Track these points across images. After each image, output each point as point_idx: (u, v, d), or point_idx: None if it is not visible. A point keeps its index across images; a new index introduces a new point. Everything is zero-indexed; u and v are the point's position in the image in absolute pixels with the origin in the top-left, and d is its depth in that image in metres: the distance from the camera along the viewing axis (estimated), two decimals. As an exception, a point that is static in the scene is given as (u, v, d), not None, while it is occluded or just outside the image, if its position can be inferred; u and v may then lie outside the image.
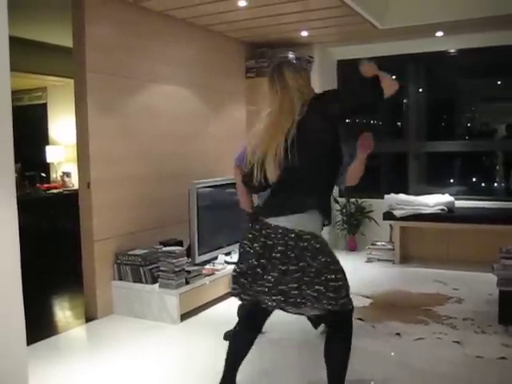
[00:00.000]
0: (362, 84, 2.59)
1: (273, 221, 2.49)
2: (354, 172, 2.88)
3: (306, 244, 2.44)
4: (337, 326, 2.63)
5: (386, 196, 6.25)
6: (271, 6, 4.79)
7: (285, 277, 2.43)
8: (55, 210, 6.38)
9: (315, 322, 3.50)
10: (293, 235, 2.44)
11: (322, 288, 2.41)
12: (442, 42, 6.15)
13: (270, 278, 2.46)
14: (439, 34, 5.89)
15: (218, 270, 4.65)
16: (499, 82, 6.82)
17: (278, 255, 2.45)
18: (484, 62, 6.47)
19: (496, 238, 5.22)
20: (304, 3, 4.76)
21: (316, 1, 4.69)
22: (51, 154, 7.40)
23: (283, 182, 2.53)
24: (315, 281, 2.42)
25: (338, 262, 2.52)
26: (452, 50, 6.48)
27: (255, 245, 2.51)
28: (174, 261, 4.17)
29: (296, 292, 2.42)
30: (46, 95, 7.76)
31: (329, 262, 2.46)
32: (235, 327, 2.85)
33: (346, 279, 2.52)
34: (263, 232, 2.50)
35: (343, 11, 4.98)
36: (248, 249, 2.54)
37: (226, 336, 3.72)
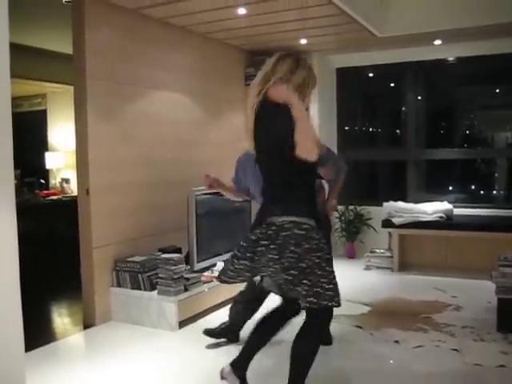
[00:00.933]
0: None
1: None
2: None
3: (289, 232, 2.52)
4: (308, 322, 2.67)
5: (384, 203, 6.25)
6: (270, 14, 4.82)
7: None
8: (54, 217, 6.37)
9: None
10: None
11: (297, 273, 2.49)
12: (440, 50, 6.18)
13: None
14: (437, 42, 5.92)
15: (216, 277, 4.64)
16: (498, 90, 6.85)
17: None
18: (482, 70, 6.50)
19: (494, 246, 5.23)
20: (303, 11, 4.79)
21: (315, 9, 4.71)
22: (50, 161, 7.40)
23: None
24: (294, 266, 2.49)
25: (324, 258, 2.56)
26: (450, 58, 6.52)
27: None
28: (173, 268, 4.17)
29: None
30: (45, 101, 7.77)
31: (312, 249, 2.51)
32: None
33: (330, 278, 2.59)
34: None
35: (342, 19, 5.01)
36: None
37: (206, 332, 3.86)
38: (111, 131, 4.45)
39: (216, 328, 3.88)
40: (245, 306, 3.82)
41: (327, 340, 3.77)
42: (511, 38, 5.57)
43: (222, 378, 2.91)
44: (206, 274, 4.64)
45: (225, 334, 3.87)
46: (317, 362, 3.66)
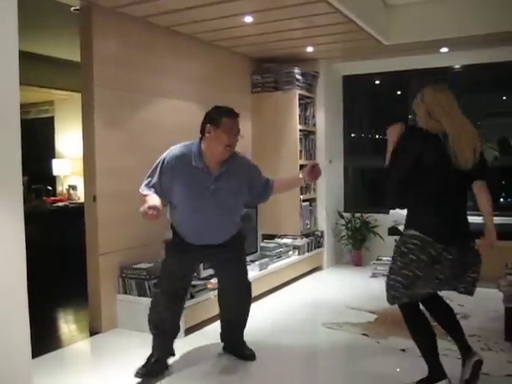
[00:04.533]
0: None
1: None
2: (284, 188, 3.79)
3: None
4: None
5: (391, 211, 6.23)
6: (277, 21, 4.84)
7: None
8: (61, 223, 6.39)
9: None
10: None
11: None
12: (446, 57, 6.19)
13: None
14: (444, 49, 5.92)
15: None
16: (504, 98, 6.84)
17: None
18: (489, 78, 6.49)
19: (502, 254, 5.18)
20: (310, 19, 4.81)
21: (322, 17, 4.72)
22: (58, 167, 7.44)
23: None
24: None
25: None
26: (457, 66, 6.52)
27: None
28: (179, 275, 4.16)
29: None
30: (53, 109, 7.82)
31: None
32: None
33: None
34: None
35: (349, 27, 5.02)
36: None
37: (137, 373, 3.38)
38: (118, 138, 4.47)
39: (146, 367, 3.40)
40: (166, 305, 3.44)
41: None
42: (518, 46, 5.58)
43: None
44: (212, 280, 4.62)
45: (158, 368, 3.43)
46: (321, 370, 3.66)
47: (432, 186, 2.93)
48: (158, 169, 3.27)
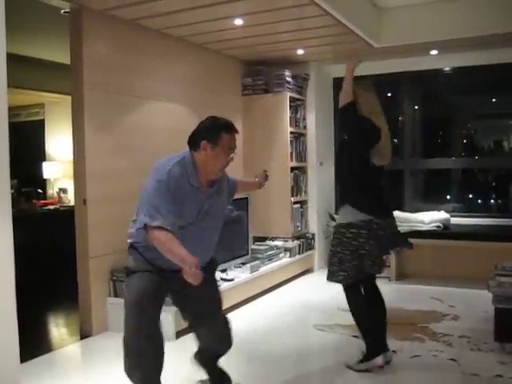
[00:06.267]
0: None
1: None
2: (243, 190, 3.68)
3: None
4: None
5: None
6: (267, 24, 4.85)
7: None
8: (51, 226, 6.36)
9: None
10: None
11: None
12: (436, 60, 6.22)
13: None
14: (434, 52, 5.95)
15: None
16: (494, 100, 6.89)
17: None
18: (478, 80, 6.53)
19: (492, 255, 5.22)
20: (300, 22, 4.82)
21: (311, 20, 4.74)
22: (48, 170, 7.41)
23: None
24: None
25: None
26: (447, 68, 6.56)
27: None
28: (170, 277, 4.14)
29: None
30: (43, 111, 7.78)
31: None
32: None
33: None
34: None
35: (339, 30, 5.04)
36: None
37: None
38: (108, 141, 4.45)
39: None
40: (153, 351, 2.97)
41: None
42: (506, 49, 5.62)
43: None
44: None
45: None
46: (312, 372, 3.67)
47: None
48: (167, 196, 2.75)
